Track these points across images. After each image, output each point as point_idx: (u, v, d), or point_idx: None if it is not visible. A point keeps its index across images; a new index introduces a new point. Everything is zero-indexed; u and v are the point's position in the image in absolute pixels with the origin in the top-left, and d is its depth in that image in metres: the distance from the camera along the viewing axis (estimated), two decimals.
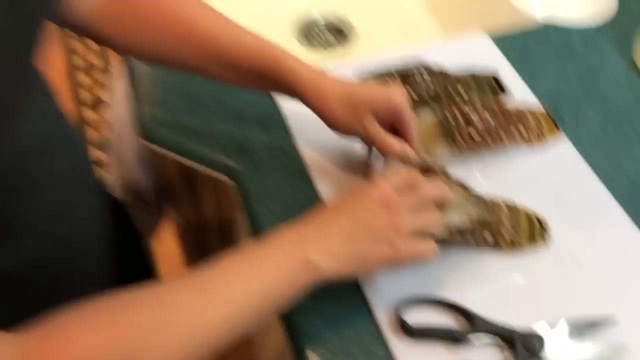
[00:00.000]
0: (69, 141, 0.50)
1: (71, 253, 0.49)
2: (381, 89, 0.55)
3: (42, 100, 0.47)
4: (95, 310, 0.37)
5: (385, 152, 0.54)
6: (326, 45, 1.01)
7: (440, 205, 0.50)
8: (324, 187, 0.58)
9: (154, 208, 0.85)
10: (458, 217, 0.51)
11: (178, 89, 0.66)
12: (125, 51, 0.57)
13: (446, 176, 0.53)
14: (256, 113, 0.64)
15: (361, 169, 0.59)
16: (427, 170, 0.52)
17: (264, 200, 0.57)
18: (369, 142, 0.55)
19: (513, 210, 0.56)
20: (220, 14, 0.55)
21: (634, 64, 0.72)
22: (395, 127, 0.55)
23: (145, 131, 0.63)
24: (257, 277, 0.42)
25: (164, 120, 0.63)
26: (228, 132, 0.62)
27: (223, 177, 0.61)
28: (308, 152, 0.61)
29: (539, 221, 0.56)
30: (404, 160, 0.53)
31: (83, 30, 0.53)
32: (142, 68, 0.67)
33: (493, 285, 0.53)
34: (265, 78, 0.54)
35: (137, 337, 0.37)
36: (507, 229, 0.54)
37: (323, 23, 1.01)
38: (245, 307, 0.41)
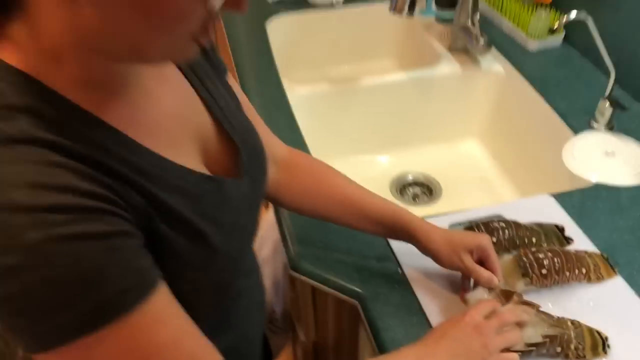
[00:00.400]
0: (258, 267, 0.73)
1: (250, 349, 0.70)
2: (472, 234, 0.76)
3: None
4: None
5: (477, 279, 0.73)
6: (415, 199, 1.24)
7: (519, 325, 0.67)
8: (428, 305, 0.77)
9: (283, 330, 1.04)
10: (533, 333, 0.68)
11: (316, 231, 0.89)
12: (293, 209, 0.82)
13: (522, 300, 0.71)
14: (375, 252, 0.85)
15: (457, 292, 0.78)
16: (507, 295, 0.71)
17: (385, 319, 0.76)
18: (465, 271, 0.75)
19: (578, 326, 0.72)
20: (360, 185, 0.79)
21: None
22: (483, 263, 0.74)
23: (292, 263, 0.85)
24: None
25: (305, 254, 0.85)
26: (354, 265, 0.83)
27: (351, 300, 0.81)
28: (415, 279, 0.81)
29: (600, 335, 0.72)
30: (490, 285, 0.72)
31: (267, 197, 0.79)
32: (285, 212, 0.91)
33: None
34: (391, 228, 0.76)
35: None
36: (573, 342, 0.70)
37: (413, 181, 1.25)
38: None
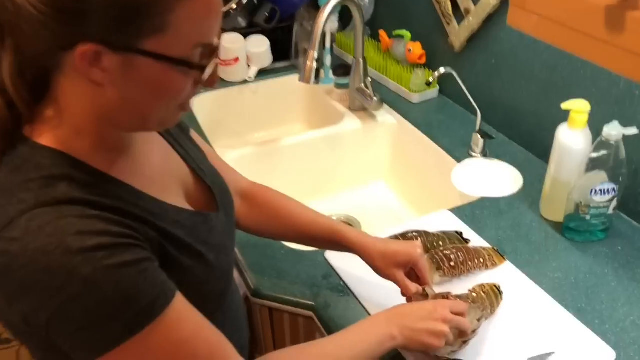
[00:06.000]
0: (237, 288, 0.89)
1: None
2: (405, 246, 0.89)
3: None
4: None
5: (405, 292, 0.89)
6: None
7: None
8: (370, 307, 0.96)
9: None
10: (474, 320, 0.87)
11: (268, 262, 1.06)
12: (253, 232, 0.98)
13: (443, 294, 0.90)
14: (320, 271, 1.04)
15: (393, 292, 0.98)
16: (434, 297, 0.88)
17: (337, 322, 0.94)
18: (397, 284, 0.90)
19: (484, 288, 0.94)
20: (309, 209, 0.96)
21: (540, 215, 1.17)
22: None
23: (253, 291, 1.01)
24: (364, 342, 0.77)
25: (263, 282, 1.01)
26: (304, 284, 1.01)
27: (306, 312, 0.98)
28: (356, 287, 1.00)
29: (497, 288, 0.95)
30: (418, 294, 0.88)
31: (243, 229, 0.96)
32: (239, 253, 1.07)
33: (480, 346, 0.89)
34: (336, 244, 0.93)
35: None
36: (488, 307, 0.91)
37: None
38: (363, 351, 0.76)
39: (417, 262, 0.90)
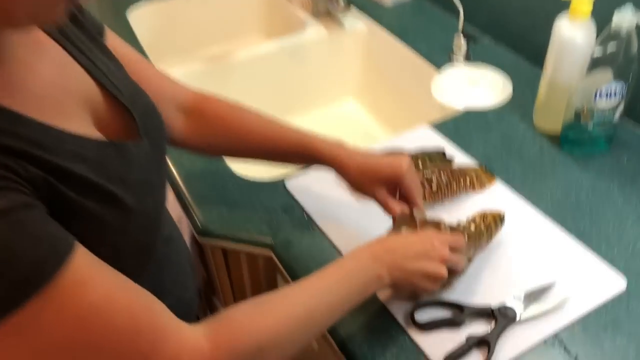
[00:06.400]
0: (179, 233, 0.73)
1: (188, 310, 0.70)
2: (389, 161, 0.73)
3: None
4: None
5: (389, 213, 0.74)
6: None
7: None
8: (338, 241, 0.81)
9: (201, 306, 1.03)
10: (465, 260, 0.73)
11: (216, 194, 0.89)
12: (204, 152, 0.82)
13: (438, 225, 0.74)
14: (279, 202, 0.88)
15: (366, 224, 0.82)
16: (424, 224, 0.73)
17: (299, 261, 0.79)
18: (379, 204, 0.75)
19: (485, 217, 0.78)
20: (270, 119, 0.79)
21: (533, 126, 1.01)
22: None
23: (200, 230, 0.85)
24: (346, 286, 0.62)
25: (211, 218, 0.85)
26: (261, 218, 0.85)
27: (265, 252, 0.83)
28: (322, 220, 0.84)
29: (501, 218, 0.80)
30: (404, 216, 0.73)
31: (180, 145, 0.79)
32: (182, 184, 0.91)
33: (473, 283, 0.75)
34: (306, 159, 0.77)
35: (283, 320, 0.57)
36: (484, 236, 0.77)
37: None
38: (343, 298, 0.62)
39: (402, 179, 0.73)
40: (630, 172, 0.92)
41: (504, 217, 0.80)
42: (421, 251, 0.66)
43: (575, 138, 0.95)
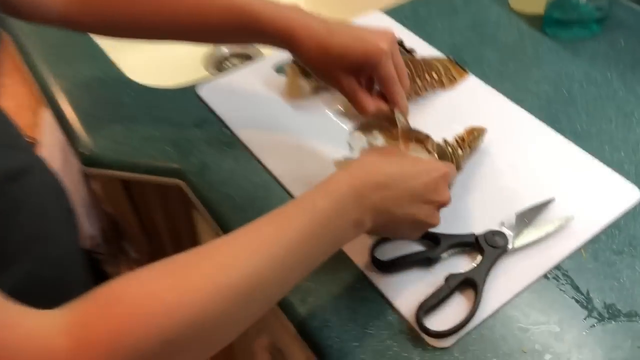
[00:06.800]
0: (39, 166, 0.50)
1: (61, 272, 0.49)
2: (360, 41, 0.52)
3: (8, 129, 0.48)
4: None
5: (359, 111, 0.54)
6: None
7: None
8: (269, 160, 0.61)
9: (112, 255, 0.83)
10: None
11: (107, 110, 0.67)
12: (101, 33, 0.60)
13: (425, 141, 0.52)
14: (190, 117, 0.66)
15: (304, 138, 0.62)
16: (415, 138, 0.52)
17: (219, 189, 0.59)
18: (346, 97, 0.54)
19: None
20: None
21: (509, 7, 0.82)
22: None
23: (86, 158, 0.63)
24: (319, 232, 0.41)
25: (101, 142, 0.64)
26: (167, 138, 0.64)
27: (173, 181, 0.62)
28: (248, 136, 0.64)
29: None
30: (379, 117, 0.53)
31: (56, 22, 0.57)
32: (65, 98, 0.68)
33: (450, 206, 0.57)
34: (238, 30, 0.54)
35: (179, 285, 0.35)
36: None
37: (231, 53, 1.05)
38: (307, 256, 0.41)
39: (378, 66, 0.52)
40: (630, 56, 0.74)
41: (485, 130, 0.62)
42: (419, 190, 0.46)
43: (561, 18, 0.77)
